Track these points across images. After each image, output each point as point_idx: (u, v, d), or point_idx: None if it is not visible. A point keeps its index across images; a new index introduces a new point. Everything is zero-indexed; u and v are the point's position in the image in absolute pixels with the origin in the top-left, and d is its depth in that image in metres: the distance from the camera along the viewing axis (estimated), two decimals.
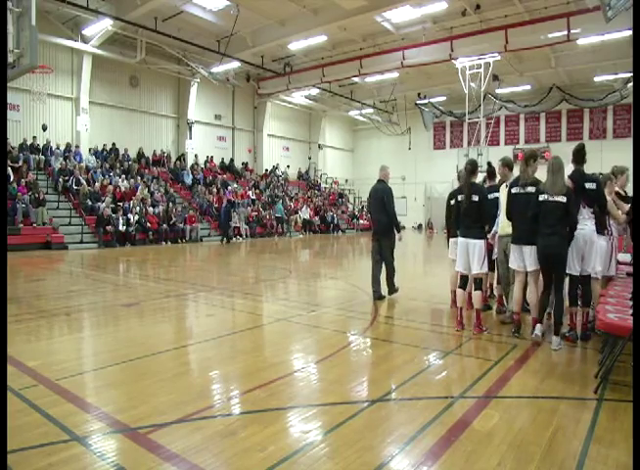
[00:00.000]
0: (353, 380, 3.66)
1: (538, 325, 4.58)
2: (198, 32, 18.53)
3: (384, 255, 6.88)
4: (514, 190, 4.76)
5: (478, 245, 4.98)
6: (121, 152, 20.18)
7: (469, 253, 5.02)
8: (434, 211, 28.56)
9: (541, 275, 4.61)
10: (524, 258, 4.65)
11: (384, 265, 6.95)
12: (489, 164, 6.20)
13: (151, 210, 17.74)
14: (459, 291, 5.21)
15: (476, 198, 5.01)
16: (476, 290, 5.05)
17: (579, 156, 4.86)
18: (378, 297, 6.86)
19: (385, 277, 6.95)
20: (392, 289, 6.97)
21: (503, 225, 5.16)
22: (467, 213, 5.08)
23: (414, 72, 22.49)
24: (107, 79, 19.90)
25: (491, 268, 5.72)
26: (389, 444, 2.62)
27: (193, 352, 4.47)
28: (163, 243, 17.20)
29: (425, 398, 3.27)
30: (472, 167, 5.19)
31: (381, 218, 6.86)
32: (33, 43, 5.68)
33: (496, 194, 5.48)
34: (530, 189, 4.59)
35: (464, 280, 5.19)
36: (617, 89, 20.21)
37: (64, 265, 11.53)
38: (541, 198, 4.43)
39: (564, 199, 4.31)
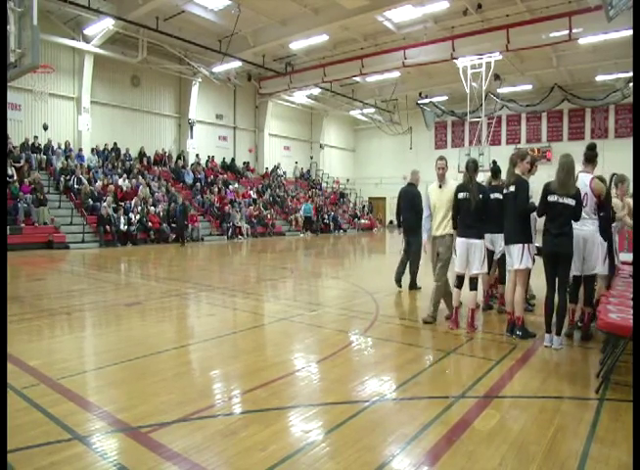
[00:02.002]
0: (354, 379, 3.65)
1: (555, 336, 4.38)
2: (199, 32, 18.55)
3: (412, 251, 7.37)
4: (505, 191, 4.86)
5: (478, 245, 4.98)
6: (123, 151, 20.21)
7: (469, 253, 5.01)
8: None
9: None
10: (512, 258, 4.68)
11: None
12: (494, 162, 6.19)
13: (152, 209, 17.77)
14: (455, 290, 5.21)
15: (480, 197, 4.98)
16: (470, 290, 5.04)
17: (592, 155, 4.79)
18: (398, 283, 7.45)
19: (408, 272, 7.50)
20: (414, 285, 7.43)
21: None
22: (469, 213, 5.01)
23: (415, 72, 22.49)
24: (108, 79, 19.91)
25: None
26: (391, 443, 2.62)
27: (194, 352, 4.47)
28: (173, 241, 17.31)
29: (426, 397, 3.27)
30: (475, 165, 5.15)
31: (410, 218, 7.34)
32: (35, 43, 5.69)
33: (497, 194, 5.44)
34: (512, 189, 4.70)
35: (460, 279, 5.18)
36: (619, 88, 20.16)
37: (65, 265, 11.54)
38: (550, 198, 4.35)
39: (572, 202, 4.25)
